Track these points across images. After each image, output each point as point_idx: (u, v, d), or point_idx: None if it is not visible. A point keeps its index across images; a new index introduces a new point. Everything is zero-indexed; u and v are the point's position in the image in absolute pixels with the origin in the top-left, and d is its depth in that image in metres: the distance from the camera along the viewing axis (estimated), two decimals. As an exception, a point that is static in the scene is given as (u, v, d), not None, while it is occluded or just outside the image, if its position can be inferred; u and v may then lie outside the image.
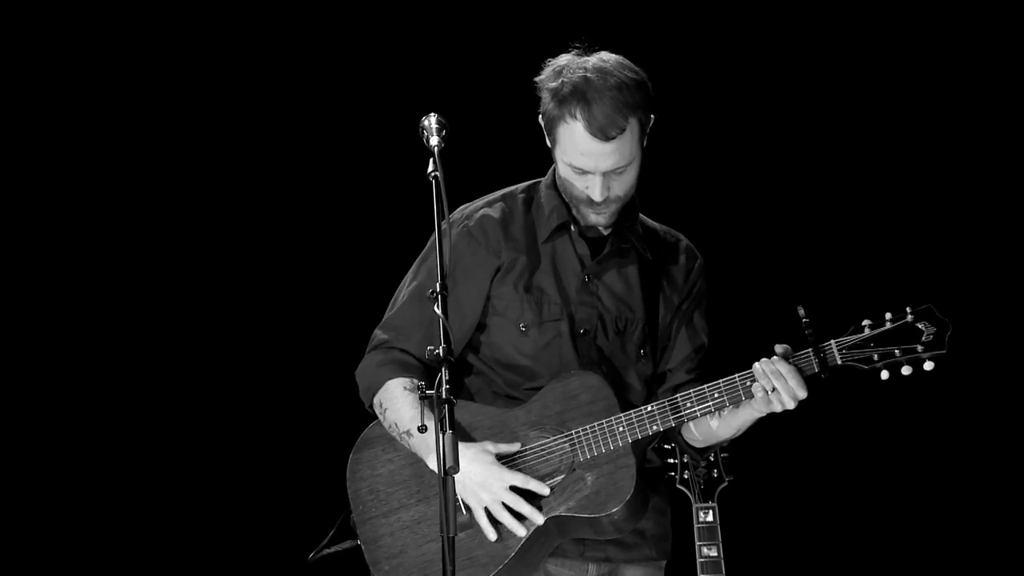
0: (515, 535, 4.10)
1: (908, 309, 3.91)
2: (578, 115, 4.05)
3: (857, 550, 5.55)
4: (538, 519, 4.08)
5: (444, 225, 3.81)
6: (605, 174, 4.10)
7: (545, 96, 4.13)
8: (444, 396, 3.61)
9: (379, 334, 4.31)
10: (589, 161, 4.09)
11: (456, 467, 3.54)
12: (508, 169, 5.59)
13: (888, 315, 3.92)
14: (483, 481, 4.10)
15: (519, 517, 4.10)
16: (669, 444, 4.50)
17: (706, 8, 5.63)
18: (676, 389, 4.25)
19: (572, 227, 4.25)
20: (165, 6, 5.63)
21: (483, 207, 4.33)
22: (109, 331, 5.71)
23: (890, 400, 5.49)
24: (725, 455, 4.48)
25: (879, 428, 5.53)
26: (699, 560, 4.34)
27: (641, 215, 4.34)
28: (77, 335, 5.69)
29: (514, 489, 4.10)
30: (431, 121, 3.86)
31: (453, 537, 3.58)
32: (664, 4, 5.64)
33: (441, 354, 3.67)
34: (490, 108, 5.49)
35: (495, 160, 5.48)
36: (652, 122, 4.15)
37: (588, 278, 4.26)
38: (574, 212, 4.24)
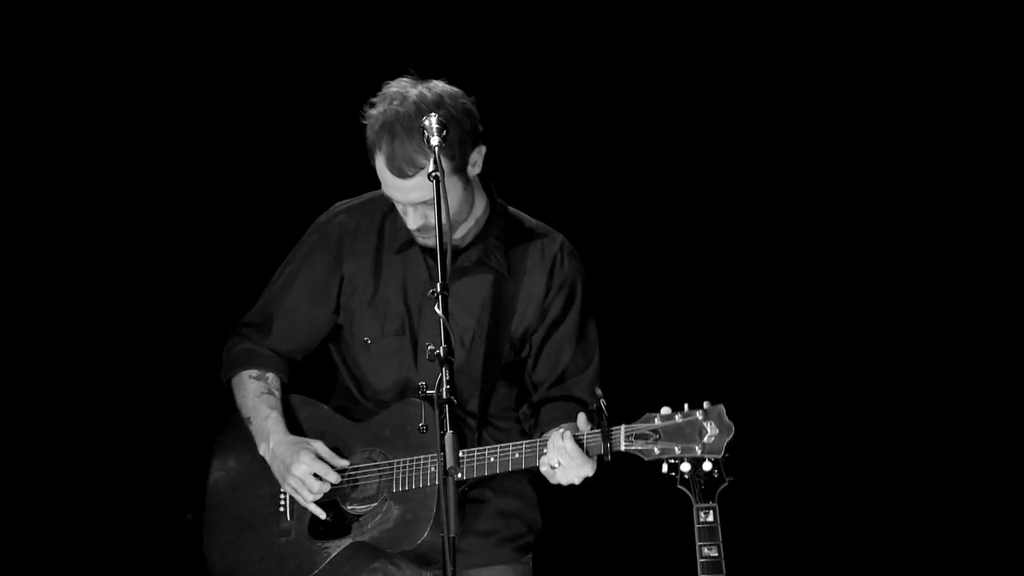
0: (325, 552, 4.17)
1: (704, 404, 3.94)
2: (383, 150, 4.10)
3: (858, 550, 5.55)
4: (333, 478, 4.16)
5: (445, 223, 3.82)
6: (415, 205, 4.14)
7: (367, 128, 4.17)
8: (444, 396, 3.62)
9: (245, 319, 4.41)
10: (396, 194, 4.15)
11: (456, 467, 3.56)
12: (516, 169, 5.61)
13: (685, 407, 3.95)
14: (284, 458, 4.19)
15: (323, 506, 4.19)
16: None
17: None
18: (536, 406, 4.27)
19: (418, 243, 4.29)
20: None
21: (342, 212, 4.39)
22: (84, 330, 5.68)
23: (893, 399, 5.49)
24: (726, 455, 4.47)
25: (881, 427, 5.53)
26: (699, 560, 4.33)
27: (522, 216, 4.35)
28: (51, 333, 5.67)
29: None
30: (432, 121, 3.88)
31: (454, 537, 3.58)
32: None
33: (442, 354, 3.68)
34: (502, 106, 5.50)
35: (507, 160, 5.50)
36: (481, 151, 4.18)
37: (429, 294, 4.26)
38: None
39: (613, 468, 5.39)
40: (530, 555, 4.38)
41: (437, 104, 4.08)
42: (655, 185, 5.64)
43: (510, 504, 4.27)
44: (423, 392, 3.74)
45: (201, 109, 5.68)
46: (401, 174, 4.10)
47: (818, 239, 5.61)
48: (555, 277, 4.31)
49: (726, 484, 4.44)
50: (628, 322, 5.50)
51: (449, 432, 3.59)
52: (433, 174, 3.83)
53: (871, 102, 5.56)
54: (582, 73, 5.62)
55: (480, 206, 4.30)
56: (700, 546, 4.34)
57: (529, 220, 4.39)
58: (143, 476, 5.69)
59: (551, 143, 5.62)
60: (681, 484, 4.43)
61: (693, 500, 4.41)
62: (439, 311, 3.74)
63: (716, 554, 4.32)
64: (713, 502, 4.39)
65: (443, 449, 3.58)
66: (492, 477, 4.20)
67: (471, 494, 4.22)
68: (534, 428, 4.26)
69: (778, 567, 5.48)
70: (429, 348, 3.77)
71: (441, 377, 3.66)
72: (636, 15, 5.62)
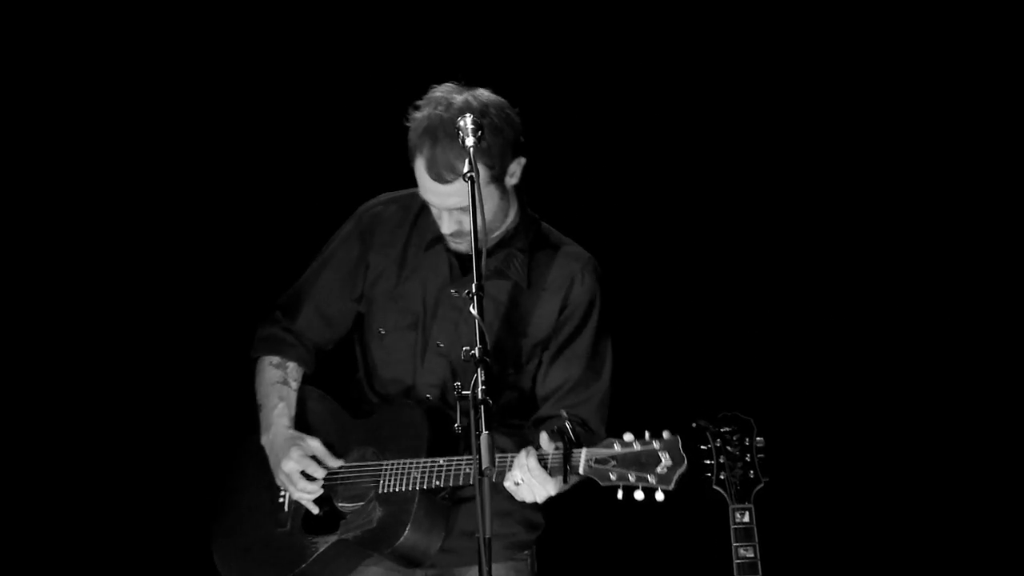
0: (314, 546, 4.20)
1: (664, 434, 3.93)
2: (424, 154, 4.10)
3: (895, 552, 5.53)
4: (319, 476, 4.18)
5: (479, 222, 3.82)
6: (451, 211, 4.15)
7: (410, 131, 4.17)
8: (480, 397, 3.62)
9: (279, 301, 4.46)
10: (433, 198, 4.16)
11: (492, 468, 3.55)
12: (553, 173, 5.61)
13: (646, 434, 3.93)
14: (278, 452, 4.24)
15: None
16: (706, 445, 4.49)
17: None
18: (540, 421, 4.26)
19: (445, 242, 4.30)
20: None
21: (381, 204, 4.42)
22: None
23: (931, 403, 5.46)
24: (762, 456, 4.46)
25: (918, 430, 5.51)
26: (736, 561, 4.33)
27: (551, 231, 4.35)
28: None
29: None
30: (467, 121, 3.87)
31: (489, 539, 3.58)
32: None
33: (477, 355, 3.68)
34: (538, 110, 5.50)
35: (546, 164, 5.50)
36: (520, 163, 4.18)
37: (454, 293, 4.28)
38: None
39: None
40: (528, 552, 4.37)
41: (482, 113, 4.07)
42: (682, 197, 5.63)
43: (500, 503, 4.25)
44: (459, 392, 3.74)
45: (230, 107, 5.67)
46: (440, 179, 4.10)
47: (847, 245, 5.59)
48: (572, 295, 4.30)
49: (762, 485, 4.43)
50: (662, 330, 5.49)
51: (484, 433, 3.58)
52: (468, 175, 3.83)
53: (907, 115, 5.54)
54: (609, 85, 5.61)
55: (512, 216, 4.31)
56: (736, 547, 4.34)
57: (558, 236, 4.39)
58: (154, 473, 5.65)
59: (574, 154, 5.61)
60: (717, 485, 4.43)
61: (729, 501, 4.40)
62: (474, 311, 3.73)
63: (752, 555, 4.32)
64: (749, 503, 4.39)
65: (479, 450, 3.57)
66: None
67: (459, 493, 4.23)
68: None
69: (815, 569, 5.46)
70: (465, 349, 3.76)
71: (476, 378, 3.65)
72: (664, 29, 5.61)
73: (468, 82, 4.19)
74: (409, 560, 4.17)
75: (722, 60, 5.59)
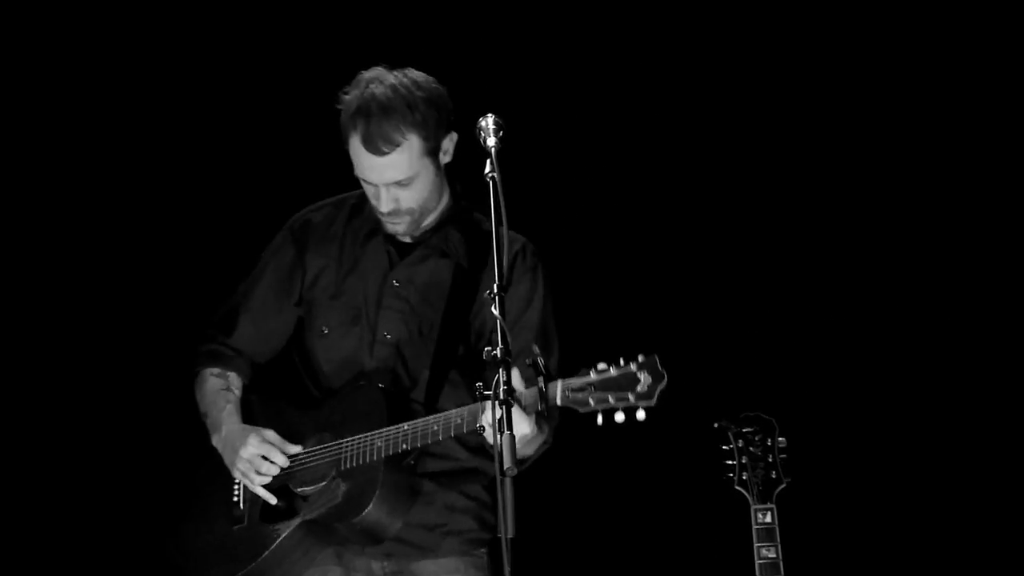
0: (275, 533, 4.19)
1: (639, 357, 3.87)
2: (359, 129, 4.15)
3: (918, 553, 5.52)
4: (280, 459, 4.18)
5: (502, 226, 3.81)
6: (388, 186, 4.19)
7: (341, 112, 4.22)
8: (502, 397, 3.62)
9: (212, 320, 4.47)
10: (371, 174, 4.19)
11: (513, 468, 3.55)
12: (565, 171, 5.62)
13: (620, 361, 3.88)
14: (234, 443, 4.23)
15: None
16: (728, 445, 4.50)
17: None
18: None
19: (382, 233, 4.33)
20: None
21: (310, 211, 4.46)
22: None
23: (952, 404, 5.45)
24: (784, 456, 4.46)
25: (941, 430, 5.50)
26: (758, 561, 4.33)
27: (481, 217, 4.35)
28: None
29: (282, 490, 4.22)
30: (488, 122, 3.86)
31: (511, 539, 3.58)
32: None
33: (499, 355, 3.68)
34: (548, 108, 5.50)
35: (553, 160, 5.50)
36: (453, 139, 4.23)
37: (396, 283, 4.31)
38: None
39: (670, 469, 5.40)
40: (483, 550, 4.35)
41: (416, 86, 4.17)
42: (675, 192, 5.63)
43: (457, 500, 4.28)
44: (480, 393, 3.74)
45: (181, 111, 5.65)
46: (377, 151, 4.15)
47: (871, 247, 5.59)
48: (515, 272, 4.34)
49: (784, 486, 4.43)
50: (685, 331, 5.50)
51: (507, 433, 3.58)
52: (489, 175, 3.82)
53: (921, 129, 5.53)
54: (590, 75, 5.61)
55: (446, 198, 4.35)
56: (758, 547, 4.34)
57: (490, 224, 4.40)
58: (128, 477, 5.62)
59: (593, 156, 5.61)
60: (739, 485, 4.44)
61: (751, 501, 4.41)
62: (496, 311, 3.72)
63: (774, 555, 4.32)
64: (771, 503, 4.39)
65: (501, 450, 3.57)
66: (441, 473, 4.26)
67: (425, 487, 4.24)
68: None
69: (837, 569, 5.46)
70: (487, 350, 3.76)
71: (499, 378, 3.65)
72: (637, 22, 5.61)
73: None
74: (373, 534, 4.15)
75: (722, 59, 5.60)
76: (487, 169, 3.83)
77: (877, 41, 5.51)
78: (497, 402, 3.63)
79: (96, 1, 5.56)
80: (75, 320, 5.60)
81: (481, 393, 3.72)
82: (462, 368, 4.29)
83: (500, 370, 3.66)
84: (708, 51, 5.58)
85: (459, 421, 4.03)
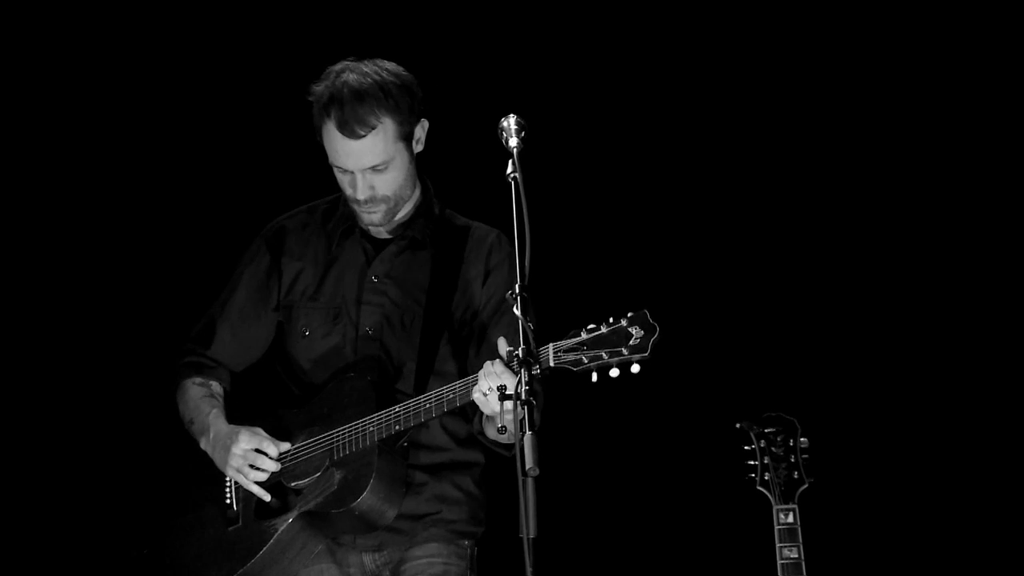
0: (272, 528, 4.19)
1: (629, 313, 3.86)
2: (332, 116, 4.17)
3: (940, 553, 5.50)
4: (273, 451, 4.18)
5: (523, 226, 3.80)
6: (364, 172, 4.20)
7: (313, 104, 4.24)
8: (524, 397, 3.62)
9: (190, 333, 4.47)
10: (347, 160, 4.20)
11: (535, 468, 3.54)
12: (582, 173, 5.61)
13: (610, 319, 3.88)
14: (225, 441, 4.22)
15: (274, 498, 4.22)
16: (750, 445, 4.49)
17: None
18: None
19: (357, 230, 4.34)
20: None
21: (284, 218, 4.47)
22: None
23: (973, 404, 5.44)
24: (806, 456, 4.46)
25: (964, 430, 5.48)
26: (780, 562, 4.32)
27: (452, 213, 4.39)
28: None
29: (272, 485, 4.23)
30: (510, 123, 3.86)
31: (532, 539, 3.58)
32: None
33: (521, 356, 3.68)
34: (570, 110, 5.50)
35: (574, 162, 5.50)
36: (424, 127, 4.25)
37: (375, 278, 4.31)
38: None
39: (693, 469, 5.40)
40: (468, 542, 4.35)
41: (387, 71, 4.21)
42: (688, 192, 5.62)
43: (448, 491, 4.29)
44: (503, 393, 3.73)
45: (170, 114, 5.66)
46: (353, 135, 4.17)
47: (893, 248, 5.58)
48: (492, 261, 4.35)
49: (806, 486, 4.43)
50: (707, 332, 5.49)
51: (529, 433, 3.58)
52: (511, 175, 3.82)
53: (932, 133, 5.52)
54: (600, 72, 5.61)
55: (418, 191, 4.37)
56: (780, 547, 4.34)
57: (462, 219, 4.45)
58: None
59: (625, 154, 5.61)
60: (761, 486, 4.43)
61: (773, 502, 4.40)
62: (518, 312, 3.72)
63: (796, 555, 4.31)
64: (793, 503, 4.39)
65: (523, 451, 3.56)
66: (432, 465, 4.26)
67: (417, 477, 4.25)
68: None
69: (860, 569, 5.45)
70: (509, 350, 3.77)
71: (521, 378, 3.65)
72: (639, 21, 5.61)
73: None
74: (368, 521, 4.15)
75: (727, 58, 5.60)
76: (509, 170, 3.82)
77: (895, 38, 5.51)
78: (519, 402, 3.63)
79: (67, 10, 5.54)
80: (59, 332, 5.58)
81: (503, 394, 3.71)
82: (444, 360, 4.30)
83: (522, 370, 3.66)
84: (710, 52, 5.57)
85: (451, 396, 4.03)
